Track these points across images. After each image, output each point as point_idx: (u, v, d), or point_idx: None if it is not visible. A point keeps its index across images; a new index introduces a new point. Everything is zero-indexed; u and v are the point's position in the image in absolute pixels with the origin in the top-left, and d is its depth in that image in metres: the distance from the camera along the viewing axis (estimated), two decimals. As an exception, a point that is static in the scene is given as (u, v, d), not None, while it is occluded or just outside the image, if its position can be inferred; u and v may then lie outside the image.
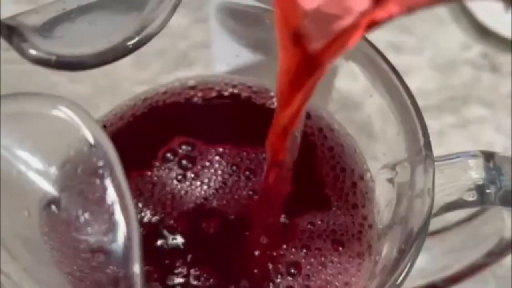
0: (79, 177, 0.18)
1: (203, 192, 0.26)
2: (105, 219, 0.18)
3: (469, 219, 0.31)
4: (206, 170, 0.27)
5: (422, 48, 0.47)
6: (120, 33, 0.20)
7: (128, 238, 0.17)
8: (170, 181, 0.27)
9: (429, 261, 0.32)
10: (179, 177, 0.27)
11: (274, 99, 0.29)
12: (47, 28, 0.20)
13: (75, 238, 0.19)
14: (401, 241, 0.22)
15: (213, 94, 0.29)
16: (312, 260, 0.25)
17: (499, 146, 0.44)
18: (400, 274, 0.21)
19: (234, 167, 0.27)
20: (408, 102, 0.23)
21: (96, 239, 0.18)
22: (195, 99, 0.29)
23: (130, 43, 0.20)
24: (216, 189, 0.27)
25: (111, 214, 0.18)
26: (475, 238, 0.30)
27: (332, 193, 0.27)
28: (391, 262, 0.21)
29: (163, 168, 0.27)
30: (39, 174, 0.19)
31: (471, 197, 0.24)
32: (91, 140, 0.17)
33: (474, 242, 0.30)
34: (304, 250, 0.25)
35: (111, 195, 0.18)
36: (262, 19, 0.27)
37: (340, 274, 0.24)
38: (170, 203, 0.26)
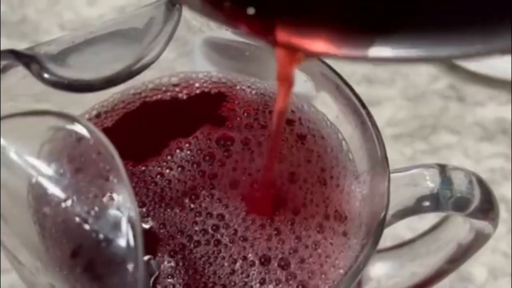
0: (87, 179, 0.22)
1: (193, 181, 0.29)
2: (111, 219, 0.21)
3: (432, 228, 0.35)
4: (196, 163, 0.30)
5: (394, 80, 0.51)
6: (121, 62, 0.24)
7: (133, 235, 0.21)
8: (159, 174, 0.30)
9: (398, 269, 0.36)
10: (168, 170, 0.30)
11: (245, 89, 0.32)
12: (60, 58, 0.24)
13: (82, 234, 0.22)
14: (363, 238, 0.25)
15: (196, 91, 0.32)
16: (297, 237, 0.28)
17: (467, 170, 0.48)
18: (360, 264, 0.24)
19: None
20: (369, 123, 0.27)
21: (103, 234, 0.21)
22: (180, 95, 0.32)
23: (129, 70, 0.24)
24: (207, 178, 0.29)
25: (116, 214, 0.21)
26: (437, 245, 0.33)
27: (310, 172, 0.29)
28: (355, 255, 0.25)
29: (154, 162, 0.30)
30: (53, 181, 0.22)
31: (426, 203, 0.28)
32: (101, 149, 0.21)
33: (436, 249, 0.34)
34: (290, 226, 0.28)
35: (116, 195, 0.21)
36: (242, 52, 0.31)
37: (328, 257, 0.27)
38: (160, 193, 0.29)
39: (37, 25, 0.54)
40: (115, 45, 0.25)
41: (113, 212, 0.21)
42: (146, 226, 0.28)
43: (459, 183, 0.28)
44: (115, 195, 0.21)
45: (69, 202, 0.21)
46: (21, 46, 0.54)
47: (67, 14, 0.55)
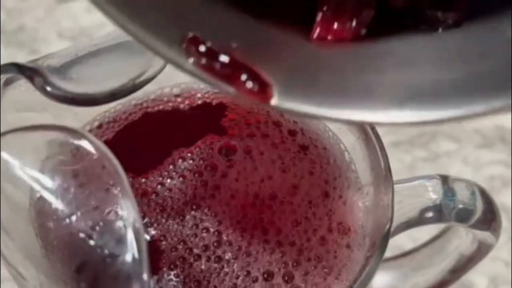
0: (92, 194, 0.22)
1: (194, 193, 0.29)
2: (116, 234, 0.21)
3: (434, 238, 0.35)
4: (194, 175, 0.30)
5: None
6: (125, 75, 0.24)
7: (138, 250, 0.21)
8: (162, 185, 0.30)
9: (400, 279, 0.36)
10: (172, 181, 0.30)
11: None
12: (63, 71, 0.24)
13: (87, 250, 0.22)
14: (367, 250, 0.25)
15: (198, 101, 0.32)
16: (300, 250, 0.28)
17: (467, 178, 0.48)
18: (366, 277, 0.24)
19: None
20: (371, 134, 0.27)
21: (108, 250, 0.21)
22: (181, 106, 0.32)
23: (133, 83, 0.24)
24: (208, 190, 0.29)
25: (121, 229, 0.21)
26: (440, 256, 0.34)
27: (312, 183, 0.29)
28: (359, 267, 0.25)
29: (156, 174, 0.30)
30: (57, 196, 0.22)
31: (429, 214, 0.28)
32: (105, 163, 0.21)
33: (439, 259, 0.34)
34: (293, 239, 0.28)
35: (121, 210, 0.21)
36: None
37: (331, 270, 0.27)
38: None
39: (35, 33, 0.54)
40: (119, 57, 0.25)
41: (118, 227, 0.21)
42: (148, 237, 0.27)
43: (462, 194, 0.28)
44: (119, 210, 0.21)
45: (73, 218, 0.21)
46: (19, 54, 0.54)
47: (65, 22, 0.55)
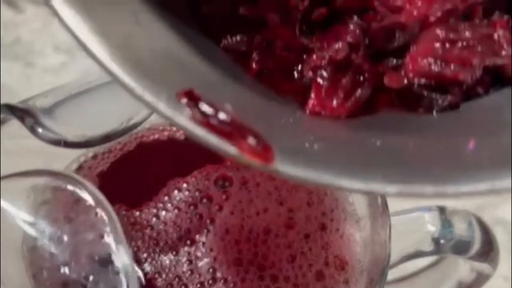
0: (85, 242, 0.21)
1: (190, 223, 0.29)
2: (110, 283, 0.21)
3: (435, 263, 0.34)
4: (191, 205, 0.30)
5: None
6: (120, 115, 0.24)
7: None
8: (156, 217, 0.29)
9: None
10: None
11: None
12: (56, 111, 0.23)
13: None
14: (365, 286, 0.25)
15: None
16: (295, 286, 0.27)
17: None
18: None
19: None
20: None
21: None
22: (177, 134, 0.32)
23: (127, 125, 0.24)
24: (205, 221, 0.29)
25: (115, 279, 0.21)
26: (440, 282, 0.33)
27: (309, 215, 0.29)
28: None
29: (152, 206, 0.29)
30: (51, 245, 0.22)
31: (428, 247, 0.28)
32: (99, 210, 0.21)
33: (438, 285, 0.33)
34: (288, 274, 0.28)
35: (115, 257, 0.21)
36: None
37: None
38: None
39: (31, 46, 0.54)
40: (112, 96, 0.24)
41: (111, 276, 0.21)
42: (141, 275, 0.27)
43: (459, 226, 0.28)
44: (113, 258, 0.21)
45: (67, 269, 0.21)
46: (15, 67, 0.54)
47: (61, 35, 0.54)
